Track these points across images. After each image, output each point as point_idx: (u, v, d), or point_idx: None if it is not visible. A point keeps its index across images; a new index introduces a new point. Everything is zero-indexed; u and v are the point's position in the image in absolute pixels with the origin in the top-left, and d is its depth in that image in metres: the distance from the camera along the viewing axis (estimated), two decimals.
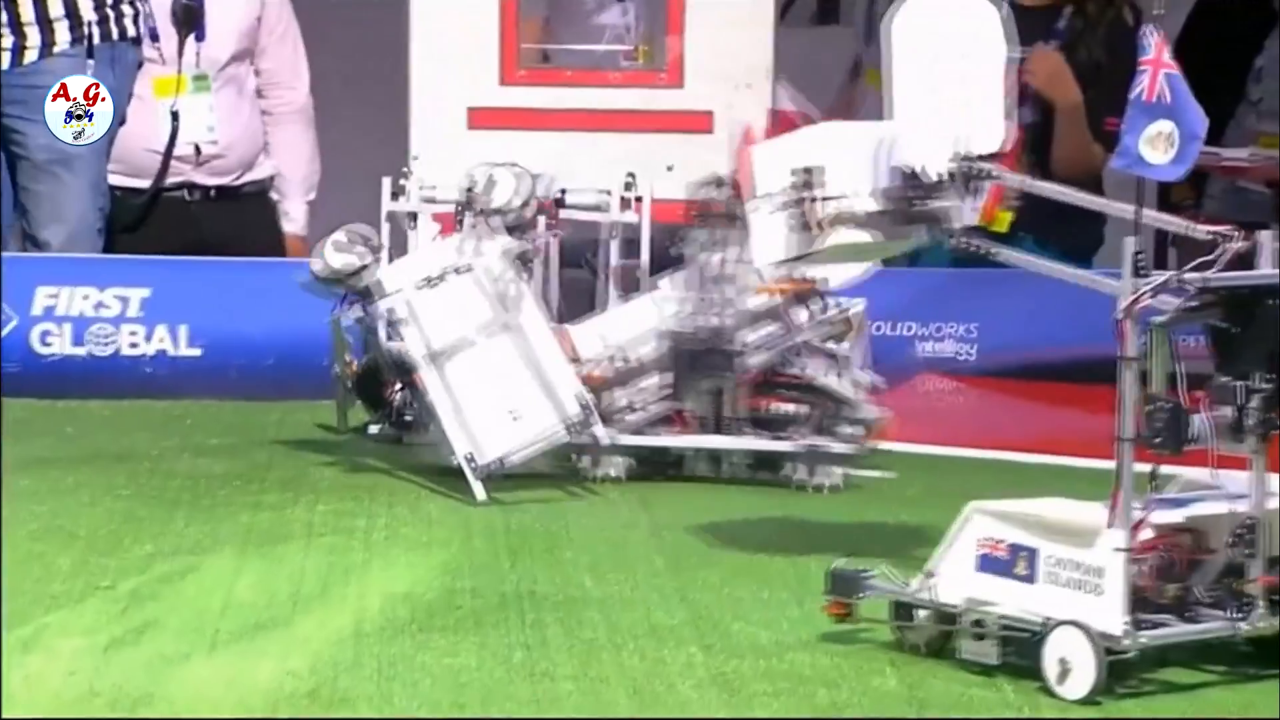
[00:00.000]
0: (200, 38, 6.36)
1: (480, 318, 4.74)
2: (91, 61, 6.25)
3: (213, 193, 6.44)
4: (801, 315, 4.99)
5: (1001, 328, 5.95)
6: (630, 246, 5.31)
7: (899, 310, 5.87)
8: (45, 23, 6.26)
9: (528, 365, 4.72)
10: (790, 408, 4.98)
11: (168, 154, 6.38)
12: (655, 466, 4.94)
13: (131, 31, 6.32)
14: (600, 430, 4.74)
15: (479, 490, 4.60)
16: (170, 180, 6.43)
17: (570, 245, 5.40)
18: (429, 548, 4.25)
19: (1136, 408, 3.48)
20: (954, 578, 3.55)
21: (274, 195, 6.59)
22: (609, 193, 5.27)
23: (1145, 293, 3.49)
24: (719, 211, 4.93)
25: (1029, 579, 3.48)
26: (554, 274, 5.30)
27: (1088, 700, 3.32)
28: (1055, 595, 3.43)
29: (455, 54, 5.74)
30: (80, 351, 5.90)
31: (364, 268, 4.74)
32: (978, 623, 3.47)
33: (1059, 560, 3.46)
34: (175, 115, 6.36)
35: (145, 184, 6.43)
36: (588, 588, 3.98)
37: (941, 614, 3.54)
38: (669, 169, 5.51)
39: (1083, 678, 3.33)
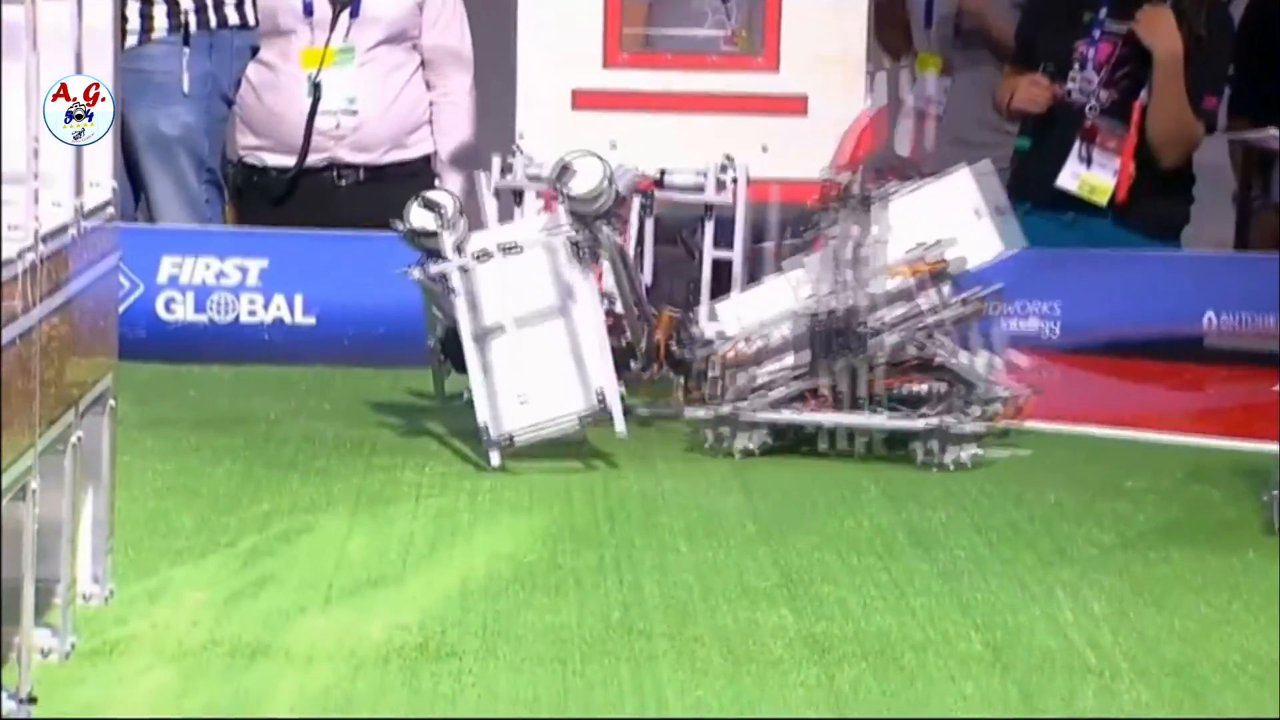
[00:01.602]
0: (354, 14, 6.46)
1: (531, 298, 4.89)
2: (187, 49, 6.43)
3: (361, 174, 6.54)
4: (933, 297, 5.09)
5: (1085, 306, 6.07)
6: (726, 226, 5.42)
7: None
8: (145, 9, 6.44)
9: (566, 351, 4.86)
10: (922, 387, 5.09)
11: (309, 124, 6.50)
12: (789, 443, 5.05)
13: (234, 19, 6.45)
14: (620, 421, 4.83)
15: (495, 457, 4.77)
16: (317, 158, 6.53)
17: (673, 223, 5.52)
18: (531, 511, 4.42)
19: None
20: None
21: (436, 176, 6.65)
22: (705, 174, 5.37)
23: None
24: (853, 195, 5.03)
25: None
26: (648, 252, 5.44)
27: None
28: None
29: (561, 37, 5.91)
30: (202, 319, 6.12)
31: (435, 232, 4.87)
32: None
33: None
34: (317, 86, 6.49)
35: (292, 160, 6.57)
36: (683, 552, 4.14)
37: None
38: (764, 150, 5.65)
39: None
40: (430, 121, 6.60)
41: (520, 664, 3.40)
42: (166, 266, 6.10)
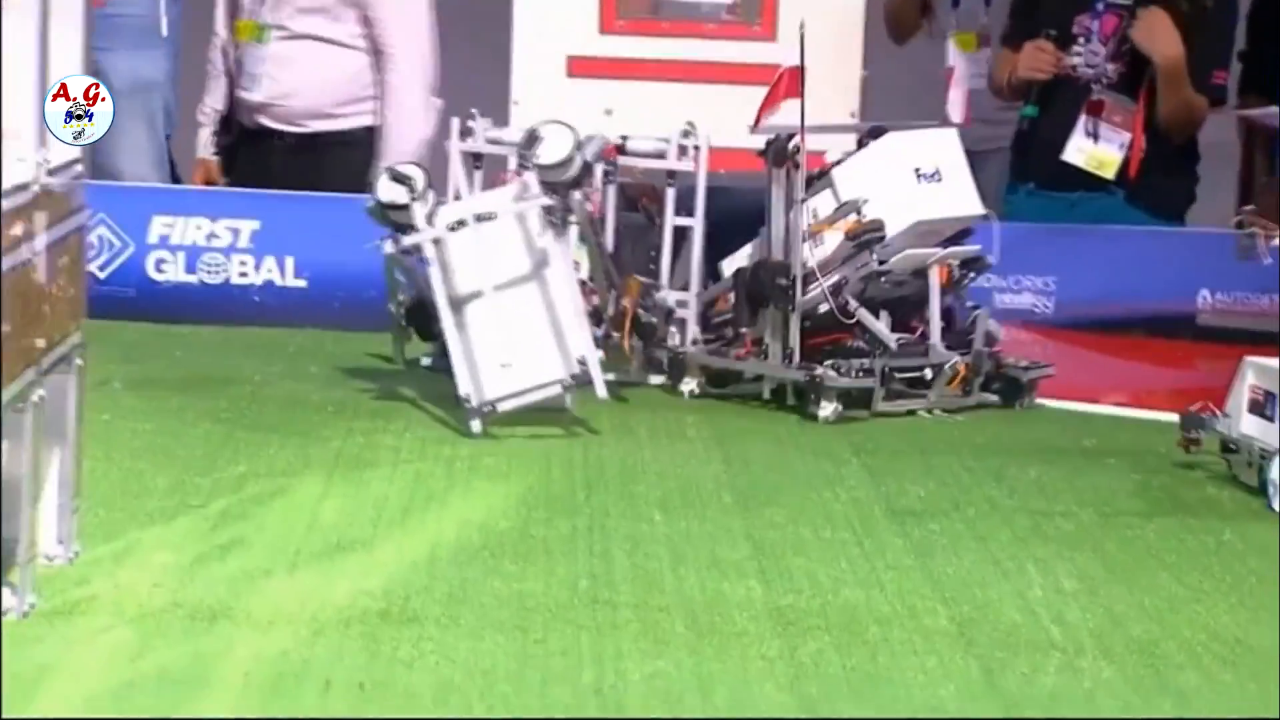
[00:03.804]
0: None
1: (504, 266, 4.88)
2: None
3: (290, 140, 6.51)
4: (863, 256, 5.14)
5: (1079, 281, 6.04)
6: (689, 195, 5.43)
7: None
8: None
9: (543, 317, 4.86)
10: (851, 344, 5.23)
11: (231, 94, 6.54)
12: (722, 386, 5.34)
13: None
14: (600, 385, 4.86)
15: (476, 425, 4.77)
16: (253, 125, 6.52)
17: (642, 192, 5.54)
18: (508, 478, 4.41)
19: None
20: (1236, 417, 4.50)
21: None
22: (668, 140, 5.38)
23: None
24: (785, 152, 5.15)
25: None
26: (610, 220, 5.44)
27: None
28: None
29: (557, 2, 5.89)
30: (193, 279, 6.11)
31: (405, 205, 4.87)
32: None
33: None
34: (239, 60, 6.51)
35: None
36: (656, 521, 4.13)
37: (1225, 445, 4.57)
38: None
39: None
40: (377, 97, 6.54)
41: (481, 631, 3.39)
42: (157, 226, 6.10)
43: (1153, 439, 5.00)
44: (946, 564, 3.90)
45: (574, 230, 4.97)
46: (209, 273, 6.10)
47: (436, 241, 4.87)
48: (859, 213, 5.17)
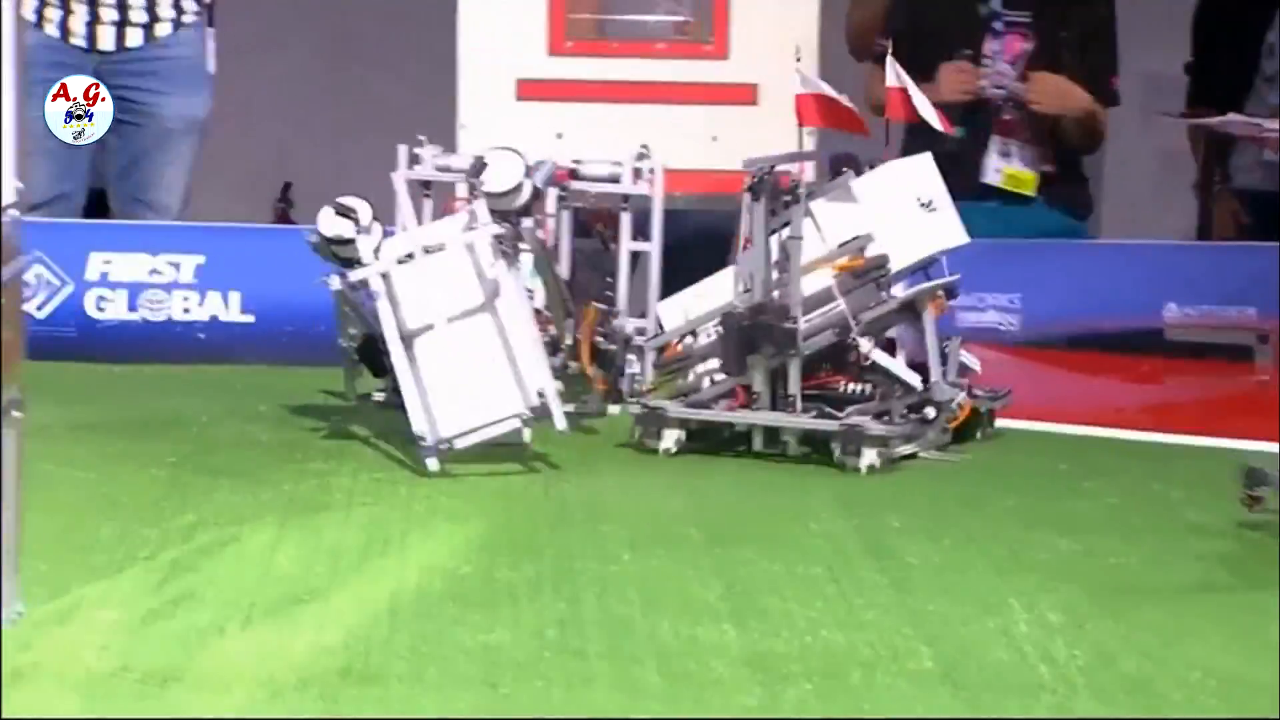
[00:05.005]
0: None
1: (455, 298, 4.74)
2: (213, 29, 6.48)
3: None
4: (864, 294, 4.94)
5: (1045, 298, 5.94)
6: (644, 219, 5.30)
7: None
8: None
9: (498, 350, 4.71)
10: (853, 387, 4.96)
11: None
12: (714, 442, 4.95)
13: None
14: (560, 418, 4.71)
15: (433, 464, 4.63)
16: None
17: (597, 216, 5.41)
18: (468, 519, 4.26)
19: None
20: None
21: None
22: (620, 164, 5.25)
23: None
24: (777, 186, 4.90)
25: None
26: (565, 246, 5.30)
27: None
28: None
29: (504, 25, 5.75)
30: (134, 317, 5.95)
31: (351, 240, 4.73)
32: None
33: None
34: None
35: None
36: (625, 561, 3.98)
37: None
38: (714, 140, 5.51)
39: None
40: None
41: (447, 687, 3.23)
42: (96, 263, 5.94)
43: (1127, 461, 4.88)
44: (927, 600, 3.76)
45: (528, 259, 4.82)
46: (151, 310, 5.94)
47: (385, 275, 4.72)
48: (863, 249, 4.98)
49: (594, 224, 5.42)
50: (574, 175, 5.28)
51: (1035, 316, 5.92)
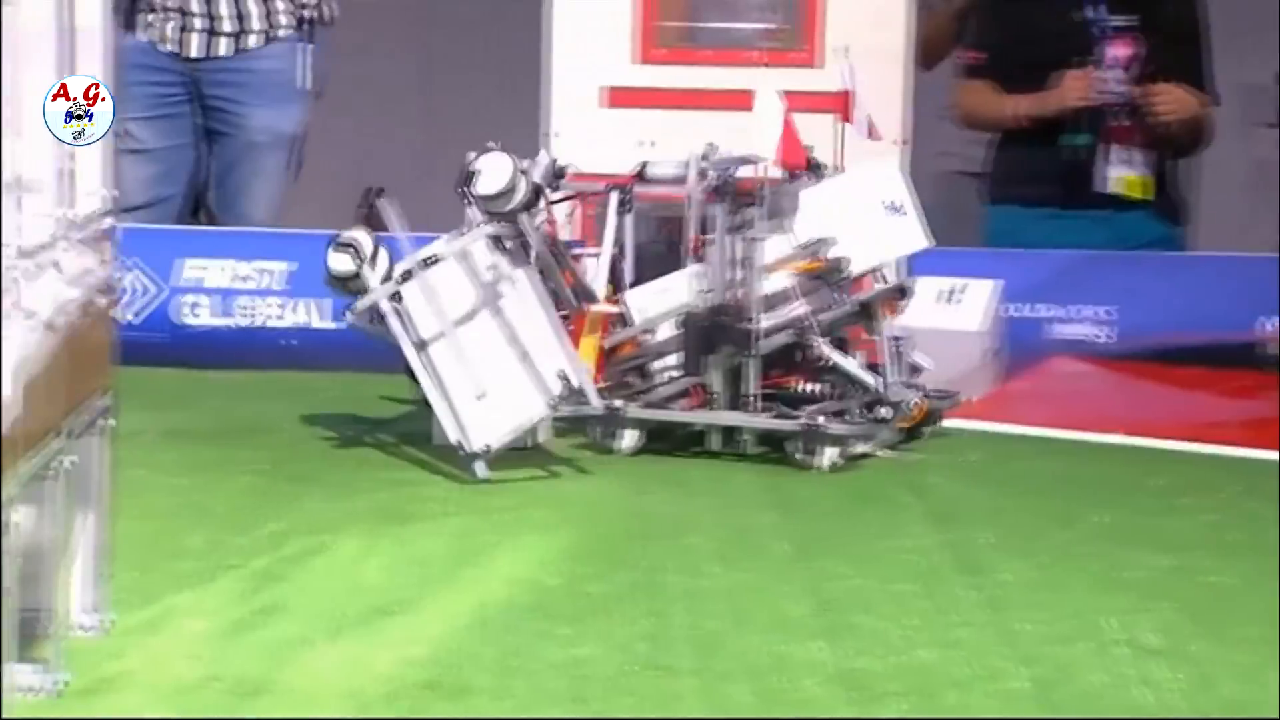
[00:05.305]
0: None
1: (460, 306, 4.75)
2: (312, 46, 6.48)
3: None
4: (822, 295, 4.96)
5: (1141, 310, 5.87)
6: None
7: (1034, 291, 5.80)
8: (268, 10, 6.44)
9: (512, 347, 4.73)
10: (810, 387, 5.00)
11: None
12: (671, 441, 5.01)
13: (328, 14, 6.67)
14: (595, 401, 4.76)
15: (481, 469, 4.64)
16: None
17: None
18: (557, 530, 4.23)
19: None
20: None
21: None
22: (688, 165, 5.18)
23: None
24: (740, 189, 4.94)
25: None
26: (629, 246, 5.24)
27: None
28: None
29: (592, 32, 5.73)
30: (225, 323, 5.96)
31: (357, 273, 4.77)
32: None
33: None
34: None
35: None
36: (715, 575, 3.95)
37: None
38: (809, 149, 5.46)
39: None
40: None
41: (535, 704, 3.20)
42: (189, 269, 5.95)
43: (1220, 477, 4.81)
44: (1021, 618, 3.70)
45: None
46: (241, 316, 5.95)
47: (394, 297, 4.74)
48: (822, 251, 4.97)
49: (664, 227, 5.38)
50: (640, 177, 5.23)
51: (1130, 328, 5.85)
